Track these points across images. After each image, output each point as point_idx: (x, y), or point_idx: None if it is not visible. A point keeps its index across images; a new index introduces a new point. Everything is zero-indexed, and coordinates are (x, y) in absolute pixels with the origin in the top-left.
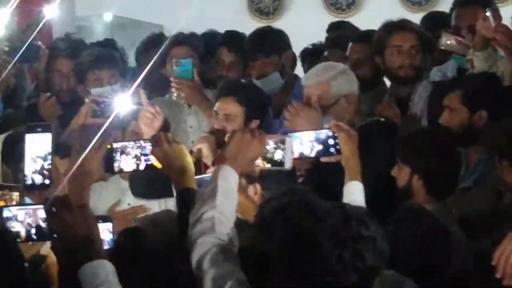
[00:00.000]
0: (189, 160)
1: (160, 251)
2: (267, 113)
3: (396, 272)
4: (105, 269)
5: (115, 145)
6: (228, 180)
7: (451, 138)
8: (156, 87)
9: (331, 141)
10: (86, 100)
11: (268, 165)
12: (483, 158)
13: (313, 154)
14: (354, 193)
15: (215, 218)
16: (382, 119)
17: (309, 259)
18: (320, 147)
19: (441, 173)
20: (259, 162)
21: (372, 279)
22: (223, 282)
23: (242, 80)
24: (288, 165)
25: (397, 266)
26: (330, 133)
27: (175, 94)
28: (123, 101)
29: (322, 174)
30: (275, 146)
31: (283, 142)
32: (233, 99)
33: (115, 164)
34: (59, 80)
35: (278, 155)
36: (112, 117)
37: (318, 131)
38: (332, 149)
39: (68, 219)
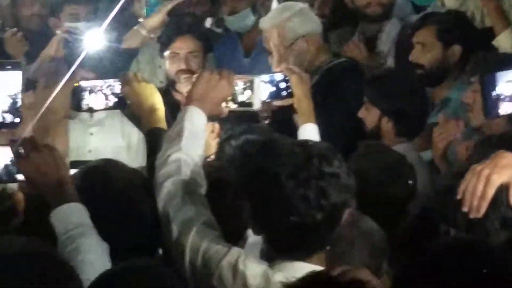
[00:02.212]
0: (159, 100)
1: (124, 189)
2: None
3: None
4: (78, 212)
5: (83, 83)
6: (195, 121)
7: (419, 77)
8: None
9: (282, 85)
10: (58, 31)
11: (236, 106)
12: (449, 95)
13: (266, 98)
14: (309, 135)
15: (181, 160)
16: (346, 60)
17: (272, 200)
18: (272, 90)
19: (410, 113)
20: (228, 103)
21: (339, 215)
22: (189, 226)
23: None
24: (257, 106)
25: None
26: (282, 76)
27: (147, 34)
28: (95, 39)
29: (287, 115)
30: (243, 87)
31: (251, 83)
32: (192, 35)
33: (83, 102)
34: (26, 8)
35: (246, 96)
36: (83, 54)
37: (271, 75)
38: (283, 93)
39: (37, 161)
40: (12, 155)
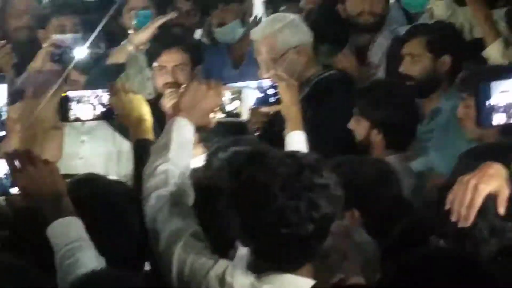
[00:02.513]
0: (147, 111)
1: (110, 202)
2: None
3: None
4: (76, 226)
5: (70, 93)
6: (182, 132)
7: (409, 89)
8: (114, 38)
9: (270, 91)
10: (44, 44)
11: (225, 116)
12: (439, 106)
13: (254, 104)
14: (297, 143)
15: (169, 171)
16: (337, 72)
17: (263, 212)
18: (260, 96)
19: (400, 125)
20: (216, 113)
21: (328, 227)
22: (176, 238)
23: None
24: (245, 116)
25: None
26: (270, 83)
27: (133, 48)
28: (82, 51)
29: (277, 126)
30: (231, 97)
31: (239, 93)
32: (178, 48)
33: (71, 113)
34: (15, 20)
35: (234, 106)
36: (71, 65)
37: (259, 81)
38: (271, 99)
39: (33, 174)
40: (6, 169)
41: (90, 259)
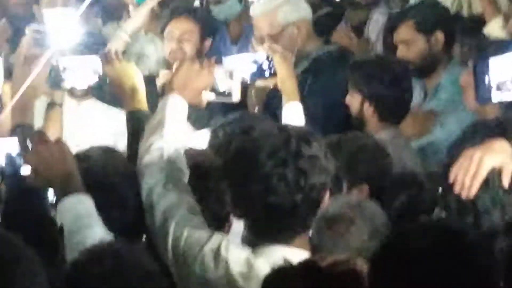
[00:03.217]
0: (140, 81)
1: (108, 176)
2: (217, 31)
3: None
4: (85, 203)
5: (62, 60)
6: (177, 109)
7: (402, 64)
8: (113, 13)
9: (265, 64)
10: (26, 31)
11: (216, 96)
12: (441, 82)
13: (250, 79)
14: (293, 114)
15: (164, 148)
16: (336, 47)
17: (251, 180)
18: (255, 70)
19: (392, 98)
20: (208, 93)
21: (318, 198)
22: (172, 213)
23: None
24: (236, 97)
25: None
26: (265, 56)
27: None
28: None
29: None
30: (224, 77)
31: (231, 73)
32: (188, 18)
33: (63, 81)
34: None
35: (226, 87)
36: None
37: (253, 54)
38: (266, 72)
39: (44, 154)
40: (18, 147)
41: (98, 237)
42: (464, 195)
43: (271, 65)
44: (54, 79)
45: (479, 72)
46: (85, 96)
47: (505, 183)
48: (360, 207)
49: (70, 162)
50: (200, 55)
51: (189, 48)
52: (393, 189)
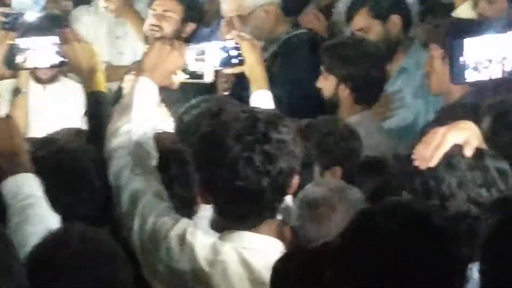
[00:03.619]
0: (100, 61)
1: (77, 161)
2: (202, 19)
3: None
4: (30, 183)
5: (19, 41)
6: (145, 92)
7: (378, 47)
8: None
9: (233, 52)
10: None
11: (188, 77)
12: (403, 65)
13: (218, 66)
14: (262, 102)
15: (131, 132)
16: (305, 31)
17: (218, 164)
18: (223, 57)
19: (368, 80)
20: (179, 74)
21: (286, 183)
22: (139, 197)
23: None
24: (208, 78)
25: None
26: (233, 44)
27: (104, 5)
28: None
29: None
30: (195, 58)
31: (203, 54)
32: None
33: (20, 61)
34: None
35: (197, 67)
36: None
37: (222, 42)
38: (234, 60)
39: None
40: None
41: (39, 218)
42: (423, 165)
43: (239, 53)
44: (10, 60)
45: (455, 52)
46: (51, 81)
47: (467, 153)
48: (341, 191)
49: (17, 139)
50: (178, 36)
51: (167, 26)
52: (363, 173)
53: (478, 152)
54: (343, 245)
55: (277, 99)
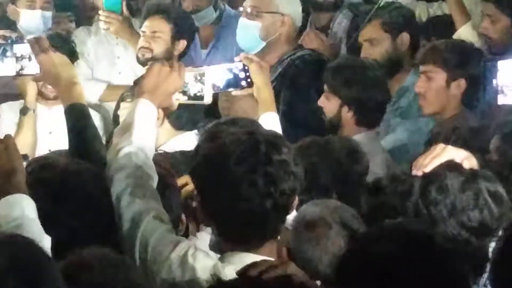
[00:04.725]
0: (76, 73)
1: (84, 184)
2: (194, 34)
3: None
4: (22, 204)
5: (16, 48)
6: (146, 114)
7: (379, 67)
8: (85, 16)
9: (242, 74)
10: None
11: (187, 99)
12: (406, 85)
13: (224, 88)
14: (270, 124)
15: (132, 154)
16: (309, 51)
17: (220, 187)
18: (231, 80)
19: (371, 103)
20: (178, 95)
21: (288, 204)
22: (139, 220)
23: None
24: (208, 99)
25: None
26: (241, 66)
27: (104, 27)
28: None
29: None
30: (194, 79)
31: (202, 76)
32: (161, 17)
33: (17, 69)
34: None
35: (197, 89)
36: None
37: (230, 64)
38: (243, 82)
39: None
40: None
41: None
42: (416, 170)
43: (247, 75)
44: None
45: (488, 74)
46: (56, 101)
47: (467, 166)
48: (338, 211)
49: (13, 160)
50: (170, 55)
51: (157, 47)
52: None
53: (472, 173)
54: (343, 269)
55: (287, 122)
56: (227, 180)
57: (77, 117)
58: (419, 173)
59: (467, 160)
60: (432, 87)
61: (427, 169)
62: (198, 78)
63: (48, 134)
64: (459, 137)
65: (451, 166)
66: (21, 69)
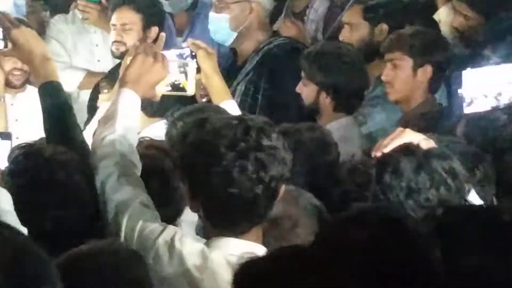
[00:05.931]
0: (47, 50)
1: (69, 174)
2: (164, 19)
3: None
4: None
5: None
6: (129, 103)
7: (356, 53)
8: (61, 6)
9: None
10: None
11: (170, 90)
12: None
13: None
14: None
15: (116, 142)
16: (286, 39)
17: (211, 172)
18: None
19: (348, 88)
20: (161, 86)
21: (277, 189)
22: (125, 206)
23: None
24: (191, 90)
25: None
26: (188, 52)
27: (81, 17)
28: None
29: None
30: (178, 70)
31: (185, 67)
32: (129, 8)
33: None
34: None
35: (180, 80)
36: None
37: (178, 50)
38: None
39: None
40: None
41: None
42: (375, 151)
43: (196, 61)
44: None
45: (453, 85)
46: (22, 86)
47: (424, 147)
48: (298, 201)
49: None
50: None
51: (129, 38)
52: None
53: (425, 154)
54: (315, 258)
55: (264, 109)
56: (217, 165)
57: (53, 95)
58: (378, 154)
59: (424, 141)
60: (398, 75)
61: (386, 150)
62: (182, 69)
63: (15, 122)
64: (428, 122)
65: (406, 149)
66: None
